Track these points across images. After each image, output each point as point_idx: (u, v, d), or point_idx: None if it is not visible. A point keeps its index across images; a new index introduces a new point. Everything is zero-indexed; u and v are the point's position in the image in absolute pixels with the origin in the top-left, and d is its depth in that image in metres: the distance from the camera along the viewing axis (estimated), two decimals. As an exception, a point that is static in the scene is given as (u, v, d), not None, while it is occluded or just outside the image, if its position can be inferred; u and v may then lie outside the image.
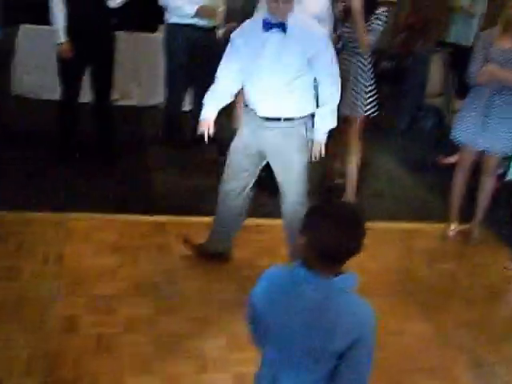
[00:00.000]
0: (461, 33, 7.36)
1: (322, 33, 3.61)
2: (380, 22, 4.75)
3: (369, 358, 1.88)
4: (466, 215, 4.99)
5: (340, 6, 4.87)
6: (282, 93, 3.56)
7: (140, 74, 6.75)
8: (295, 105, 3.63)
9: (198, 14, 5.49)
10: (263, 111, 3.65)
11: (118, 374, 3.09)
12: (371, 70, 4.96)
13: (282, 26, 3.43)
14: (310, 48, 3.48)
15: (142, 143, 6.02)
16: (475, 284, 4.41)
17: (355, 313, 1.85)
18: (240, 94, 5.36)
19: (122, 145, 5.67)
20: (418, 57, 7.25)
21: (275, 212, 4.81)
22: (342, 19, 4.89)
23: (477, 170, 4.86)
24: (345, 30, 4.85)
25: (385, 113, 5.38)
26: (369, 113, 4.96)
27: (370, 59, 4.95)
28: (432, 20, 8.31)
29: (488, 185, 4.84)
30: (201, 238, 4.24)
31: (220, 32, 5.72)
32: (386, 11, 4.84)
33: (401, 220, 5.05)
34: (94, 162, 5.35)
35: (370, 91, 4.94)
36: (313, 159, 3.76)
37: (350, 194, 5.18)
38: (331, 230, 1.79)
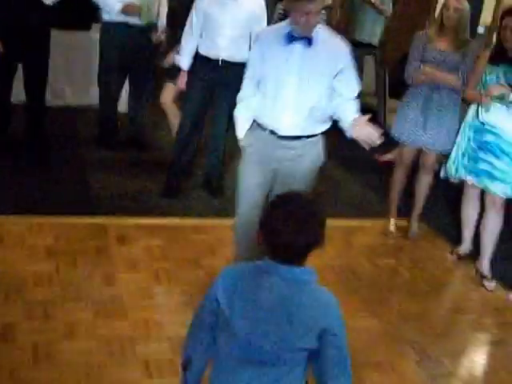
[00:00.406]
0: (368, 31, 7.39)
1: (346, 46, 3.36)
2: (322, 23, 4.78)
3: (343, 347, 1.87)
4: (405, 211, 5.04)
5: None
6: (307, 109, 3.32)
7: (73, 74, 6.56)
8: (319, 121, 3.41)
9: (124, 12, 5.36)
10: (285, 129, 3.37)
11: (58, 382, 2.95)
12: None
13: (308, 40, 3.22)
14: (337, 62, 3.27)
15: (76, 144, 5.84)
16: (416, 277, 4.47)
17: (320, 304, 1.84)
18: (166, 91, 5.37)
19: (56, 146, 5.49)
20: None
21: (220, 212, 4.81)
22: (286, 15, 4.86)
23: (415, 167, 4.92)
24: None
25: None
26: None
27: None
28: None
29: (426, 181, 4.92)
30: (139, 240, 4.15)
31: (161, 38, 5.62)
32: (324, 13, 4.90)
33: (341, 217, 5.04)
34: (25, 163, 5.15)
35: None
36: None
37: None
38: (285, 223, 1.75)
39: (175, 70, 5.10)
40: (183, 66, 4.95)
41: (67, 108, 6.52)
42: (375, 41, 7.28)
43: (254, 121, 3.48)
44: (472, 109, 4.47)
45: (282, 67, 3.25)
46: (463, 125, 4.53)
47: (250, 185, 3.52)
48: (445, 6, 4.53)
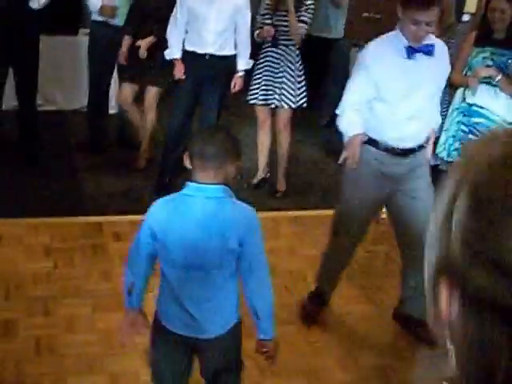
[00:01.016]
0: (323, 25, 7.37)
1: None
2: (310, 15, 4.90)
3: (261, 251, 2.33)
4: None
5: None
6: (426, 118, 3.34)
7: (63, 78, 6.62)
8: (427, 129, 3.41)
9: (100, 13, 5.43)
10: (405, 142, 3.30)
11: (61, 374, 3.03)
12: (300, 62, 5.06)
13: (429, 50, 3.18)
14: (447, 66, 3.41)
15: (68, 146, 5.89)
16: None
17: (240, 214, 2.25)
18: (123, 92, 5.38)
19: (48, 148, 5.54)
20: (338, 51, 7.33)
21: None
22: (273, 9, 4.96)
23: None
24: (278, 19, 4.92)
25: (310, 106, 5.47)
26: (299, 104, 5.05)
27: (298, 51, 5.05)
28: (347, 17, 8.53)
29: None
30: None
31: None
32: (313, 4, 4.98)
33: (331, 207, 5.11)
34: (17, 165, 5.20)
35: (299, 82, 5.02)
36: None
37: (281, 184, 5.24)
38: (201, 137, 2.37)
39: (132, 70, 5.24)
40: (175, 55, 4.97)
41: (58, 112, 6.59)
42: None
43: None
44: (459, 92, 4.54)
45: (401, 79, 3.19)
46: (450, 109, 4.59)
47: (360, 209, 3.45)
48: None
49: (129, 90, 5.42)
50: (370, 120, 3.27)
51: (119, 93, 5.53)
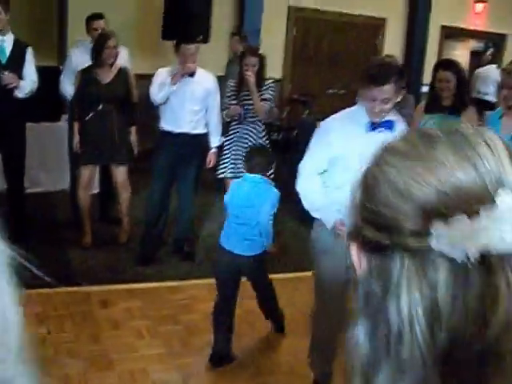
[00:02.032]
0: None
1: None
2: (271, 93, 5.44)
3: (267, 219, 3.97)
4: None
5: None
6: None
7: (47, 162, 7.03)
8: None
9: None
10: None
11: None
12: (265, 137, 5.58)
13: (390, 125, 3.25)
14: None
15: (55, 225, 6.24)
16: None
17: (265, 193, 3.95)
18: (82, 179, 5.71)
19: (35, 227, 5.89)
20: (304, 127, 7.86)
21: (191, 273, 5.26)
22: (237, 90, 5.52)
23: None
24: (242, 98, 5.46)
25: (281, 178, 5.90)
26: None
27: (263, 127, 5.57)
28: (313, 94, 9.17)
29: None
30: (120, 303, 4.56)
31: None
32: (273, 83, 5.55)
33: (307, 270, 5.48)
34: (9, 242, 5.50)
35: None
36: None
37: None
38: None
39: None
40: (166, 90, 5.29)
41: (44, 193, 6.96)
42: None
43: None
44: None
45: (361, 152, 3.31)
46: None
47: (335, 284, 3.39)
48: None
49: (88, 172, 5.75)
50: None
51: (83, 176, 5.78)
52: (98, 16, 6.17)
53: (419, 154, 0.78)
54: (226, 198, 4.07)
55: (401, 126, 3.29)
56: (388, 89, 3.11)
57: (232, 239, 3.98)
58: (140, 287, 5.02)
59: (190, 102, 5.34)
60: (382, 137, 2.85)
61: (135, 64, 6.44)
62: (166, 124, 5.41)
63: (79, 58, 5.94)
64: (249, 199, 3.93)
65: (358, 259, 0.86)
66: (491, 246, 0.70)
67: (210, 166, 5.58)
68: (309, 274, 5.29)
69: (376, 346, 0.81)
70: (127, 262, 5.48)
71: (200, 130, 5.43)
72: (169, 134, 5.40)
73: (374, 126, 3.23)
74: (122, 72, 5.68)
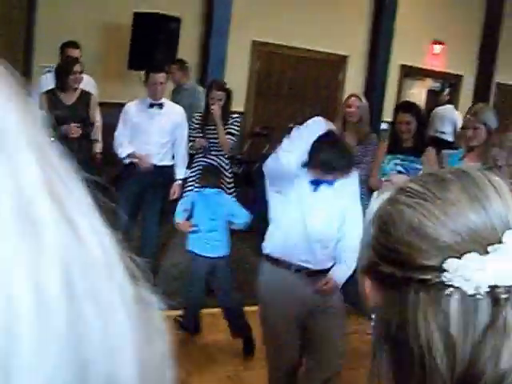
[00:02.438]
0: None
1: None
2: (237, 127, 5.49)
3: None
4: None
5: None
6: (332, 244, 3.31)
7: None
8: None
9: None
10: (310, 263, 3.27)
11: None
12: (229, 170, 5.61)
13: (329, 182, 3.23)
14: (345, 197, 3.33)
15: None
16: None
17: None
18: None
19: None
20: (265, 161, 7.91)
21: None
22: (202, 124, 5.55)
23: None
24: (208, 132, 5.49)
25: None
26: None
27: (228, 161, 5.60)
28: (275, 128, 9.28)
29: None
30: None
31: None
32: (239, 117, 5.60)
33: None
34: None
35: (229, 188, 5.55)
36: None
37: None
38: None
39: None
40: (129, 150, 5.34)
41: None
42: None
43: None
44: (375, 195, 5.03)
45: (305, 210, 3.22)
46: (367, 213, 5.06)
47: (281, 332, 3.33)
48: (347, 104, 5.18)
49: None
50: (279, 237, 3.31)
51: None
52: (74, 44, 6.20)
53: (433, 195, 0.85)
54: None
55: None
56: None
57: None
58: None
59: (157, 134, 5.38)
60: (325, 194, 3.25)
61: (101, 92, 6.43)
62: (133, 156, 5.41)
63: (50, 83, 5.85)
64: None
65: (371, 292, 0.92)
66: (499, 280, 0.78)
67: (174, 197, 5.56)
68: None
69: (398, 373, 0.88)
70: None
71: (166, 162, 5.45)
72: (133, 164, 5.41)
73: (317, 184, 3.21)
74: (85, 95, 5.68)
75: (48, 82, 6.00)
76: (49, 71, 6.29)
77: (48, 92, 5.60)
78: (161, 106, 5.36)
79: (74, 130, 5.33)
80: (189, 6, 8.87)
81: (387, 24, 10.55)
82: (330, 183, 3.20)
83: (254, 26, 9.50)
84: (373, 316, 0.94)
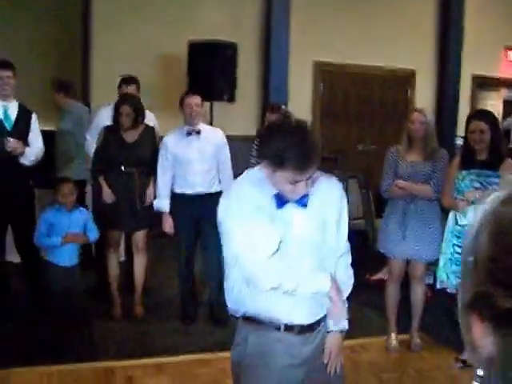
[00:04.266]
0: None
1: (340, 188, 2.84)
2: None
3: None
4: (404, 324, 5.29)
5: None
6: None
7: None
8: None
9: None
10: (300, 318, 2.72)
11: None
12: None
13: (302, 201, 2.63)
14: (333, 215, 2.75)
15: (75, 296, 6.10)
16: (424, 387, 4.66)
17: None
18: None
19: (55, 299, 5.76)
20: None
21: (222, 344, 5.09)
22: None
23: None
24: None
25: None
26: None
27: None
28: (343, 151, 9.09)
29: (418, 292, 5.15)
30: (147, 380, 4.40)
31: None
32: None
33: (345, 338, 5.28)
34: (29, 316, 5.41)
35: None
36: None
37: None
38: None
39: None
40: (164, 208, 5.39)
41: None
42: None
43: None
44: (451, 215, 4.79)
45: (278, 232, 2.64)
46: (446, 232, 4.82)
47: None
48: (410, 120, 4.97)
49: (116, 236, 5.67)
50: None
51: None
52: (132, 80, 6.12)
53: None
54: None
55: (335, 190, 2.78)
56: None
57: None
58: (167, 361, 4.85)
59: (198, 162, 5.34)
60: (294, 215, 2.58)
61: (161, 126, 6.42)
62: (177, 187, 5.41)
63: (105, 118, 5.81)
64: None
65: (480, 335, 0.69)
66: None
67: None
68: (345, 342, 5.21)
69: None
70: (154, 334, 5.33)
71: (215, 189, 5.39)
72: (182, 196, 5.40)
73: (283, 202, 2.61)
74: (149, 131, 5.63)
75: (103, 117, 5.95)
76: (107, 105, 6.23)
77: (109, 127, 5.58)
78: (198, 131, 5.35)
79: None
80: (246, 32, 8.88)
81: (455, 33, 10.28)
82: (301, 203, 2.62)
83: (314, 47, 9.41)
84: (480, 372, 0.71)
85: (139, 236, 5.65)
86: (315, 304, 2.71)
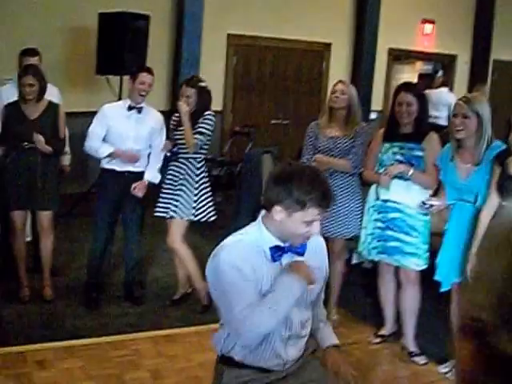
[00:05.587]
0: None
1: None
2: (207, 125, 5.31)
3: None
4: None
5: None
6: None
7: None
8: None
9: None
10: (292, 353, 2.85)
11: None
12: (202, 176, 5.45)
13: (301, 248, 2.77)
14: (322, 271, 3.00)
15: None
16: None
17: None
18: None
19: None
20: (249, 161, 7.84)
21: (137, 324, 5.15)
22: (175, 125, 5.45)
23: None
24: (177, 133, 5.38)
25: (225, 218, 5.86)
26: (201, 216, 5.41)
27: (201, 164, 5.42)
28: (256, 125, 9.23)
29: (337, 267, 5.22)
30: (59, 363, 4.44)
31: None
32: (213, 115, 5.42)
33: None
34: None
35: (197, 195, 5.40)
36: None
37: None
38: None
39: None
40: (109, 149, 5.32)
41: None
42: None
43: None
44: (372, 189, 4.87)
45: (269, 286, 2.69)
46: (366, 207, 4.91)
47: None
48: (332, 91, 5.06)
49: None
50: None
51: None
52: (32, 52, 6.04)
53: None
54: None
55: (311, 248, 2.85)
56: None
57: None
58: (80, 344, 4.86)
59: (133, 140, 5.36)
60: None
61: (68, 102, 6.35)
62: (108, 162, 5.39)
63: (10, 95, 5.73)
64: None
65: (471, 366, 0.61)
66: None
67: (134, 192, 5.39)
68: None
69: None
70: (65, 316, 5.32)
71: (144, 168, 5.44)
72: (111, 172, 5.40)
73: (280, 254, 2.72)
74: (52, 107, 5.57)
75: (9, 93, 5.90)
76: (7, 83, 6.19)
77: (10, 104, 5.50)
78: (139, 109, 5.38)
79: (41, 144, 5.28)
80: (159, 3, 8.84)
81: (371, 6, 10.51)
82: (300, 249, 2.76)
83: (228, 20, 9.46)
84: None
85: (45, 216, 5.60)
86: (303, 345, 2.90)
